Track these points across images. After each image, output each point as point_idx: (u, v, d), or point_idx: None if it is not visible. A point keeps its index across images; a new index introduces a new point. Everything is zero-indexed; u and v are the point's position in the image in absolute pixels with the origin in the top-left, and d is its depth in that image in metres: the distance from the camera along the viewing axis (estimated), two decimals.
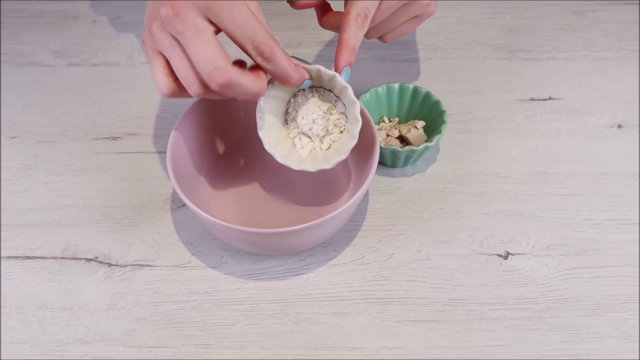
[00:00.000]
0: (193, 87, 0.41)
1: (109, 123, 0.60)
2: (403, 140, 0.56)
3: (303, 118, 0.48)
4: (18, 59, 0.66)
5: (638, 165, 0.55)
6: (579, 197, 0.53)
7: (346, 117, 0.47)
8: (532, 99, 0.61)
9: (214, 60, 0.39)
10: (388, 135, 0.56)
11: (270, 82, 0.46)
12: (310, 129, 0.48)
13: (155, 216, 0.53)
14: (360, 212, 0.52)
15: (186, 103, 0.51)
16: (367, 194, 0.54)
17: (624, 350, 0.45)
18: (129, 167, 0.56)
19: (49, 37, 0.68)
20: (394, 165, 0.55)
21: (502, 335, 0.46)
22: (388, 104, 0.57)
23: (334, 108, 0.47)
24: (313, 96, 0.47)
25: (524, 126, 0.59)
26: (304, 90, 0.48)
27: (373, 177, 0.46)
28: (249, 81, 0.41)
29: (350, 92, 0.45)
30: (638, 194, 0.53)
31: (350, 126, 0.46)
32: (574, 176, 0.55)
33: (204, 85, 0.41)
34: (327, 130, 0.47)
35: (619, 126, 0.58)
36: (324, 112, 0.47)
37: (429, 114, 0.55)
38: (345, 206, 0.44)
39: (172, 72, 0.42)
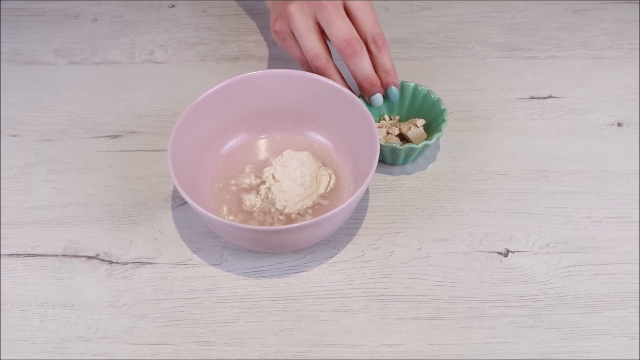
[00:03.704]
0: (322, 61, 0.51)
1: (109, 121, 0.60)
2: (403, 138, 0.56)
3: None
4: (19, 57, 0.66)
5: (638, 163, 0.55)
6: (579, 195, 0.53)
7: None
8: (532, 98, 0.61)
9: (351, 31, 0.50)
10: (388, 134, 0.56)
11: None
12: None
13: (156, 214, 0.53)
14: (360, 210, 0.53)
15: (187, 102, 0.51)
16: (367, 191, 0.54)
17: (623, 347, 0.45)
18: (130, 165, 0.56)
19: (49, 35, 0.68)
20: (393, 163, 0.55)
21: (502, 332, 0.46)
22: (388, 101, 0.57)
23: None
24: None
25: (524, 124, 0.59)
26: None
27: (373, 175, 0.46)
28: (369, 62, 0.51)
29: None
30: (638, 192, 0.53)
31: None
32: (574, 174, 0.55)
33: (330, 58, 0.52)
34: None
35: (619, 124, 0.59)
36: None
37: (430, 113, 0.55)
38: (345, 204, 0.44)
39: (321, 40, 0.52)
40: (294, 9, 0.51)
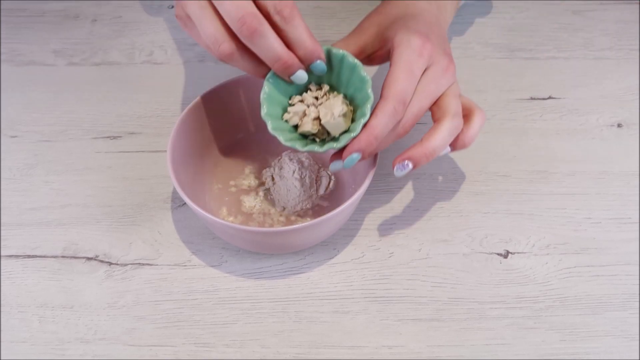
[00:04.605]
0: (224, 45, 0.41)
1: (109, 122, 0.60)
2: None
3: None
4: (18, 58, 0.66)
5: (638, 164, 0.55)
6: (579, 196, 0.53)
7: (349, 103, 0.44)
8: (532, 98, 0.61)
9: (245, 6, 0.39)
10: (305, 115, 0.45)
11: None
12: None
13: (156, 215, 0.53)
14: (360, 211, 0.53)
15: (186, 103, 0.51)
16: (367, 193, 0.54)
17: (623, 349, 0.45)
18: (130, 166, 0.56)
19: (49, 36, 0.68)
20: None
21: (501, 334, 0.46)
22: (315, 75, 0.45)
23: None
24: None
25: (524, 125, 0.59)
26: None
27: (373, 175, 0.46)
28: (275, 39, 0.40)
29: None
30: (638, 193, 0.53)
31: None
32: (573, 175, 0.55)
33: (235, 39, 0.41)
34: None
35: (619, 125, 0.58)
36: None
37: (353, 85, 0.44)
38: (345, 205, 0.44)
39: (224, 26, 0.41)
40: None
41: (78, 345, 0.46)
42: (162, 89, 0.62)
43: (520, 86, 0.62)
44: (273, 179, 0.52)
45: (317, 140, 0.45)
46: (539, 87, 0.62)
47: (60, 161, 0.57)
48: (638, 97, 0.61)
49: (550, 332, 0.46)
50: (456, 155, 0.56)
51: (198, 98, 0.50)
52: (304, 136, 0.45)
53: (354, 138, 0.42)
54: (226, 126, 0.54)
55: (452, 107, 0.44)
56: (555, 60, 0.64)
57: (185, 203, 0.52)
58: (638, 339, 0.46)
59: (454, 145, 0.46)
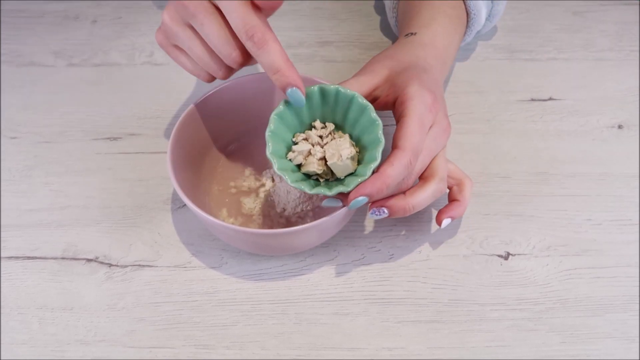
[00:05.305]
0: (220, 73, 0.44)
1: (109, 123, 0.60)
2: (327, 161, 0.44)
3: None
4: (18, 59, 0.66)
5: (638, 165, 0.55)
6: (580, 198, 0.53)
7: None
8: (533, 100, 0.61)
9: (248, 21, 0.40)
10: (310, 154, 0.44)
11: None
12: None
13: (156, 216, 0.53)
14: (360, 213, 0.52)
15: (187, 104, 0.51)
16: None
17: (624, 350, 0.45)
18: (130, 167, 0.56)
19: (49, 37, 0.68)
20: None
21: (502, 335, 0.46)
22: (313, 108, 0.45)
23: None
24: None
25: (525, 127, 0.59)
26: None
27: None
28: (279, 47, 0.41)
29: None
30: (638, 194, 0.53)
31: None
32: (574, 177, 0.55)
33: (225, 67, 0.44)
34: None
35: (620, 127, 0.58)
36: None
37: (361, 126, 0.44)
38: (345, 207, 0.44)
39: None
40: (166, 17, 0.42)
41: (78, 347, 0.46)
42: (162, 90, 0.62)
43: (520, 87, 0.62)
44: (273, 180, 0.52)
45: (321, 180, 0.44)
46: (539, 89, 0.62)
47: (60, 162, 0.57)
48: (638, 98, 0.61)
49: (550, 334, 0.46)
50: (456, 157, 0.56)
51: (198, 99, 0.50)
52: (307, 175, 0.44)
53: (364, 181, 0.41)
54: (226, 128, 0.54)
55: (441, 170, 0.44)
56: (556, 61, 0.64)
57: (185, 204, 0.52)
58: (638, 340, 0.46)
59: (453, 217, 0.47)
